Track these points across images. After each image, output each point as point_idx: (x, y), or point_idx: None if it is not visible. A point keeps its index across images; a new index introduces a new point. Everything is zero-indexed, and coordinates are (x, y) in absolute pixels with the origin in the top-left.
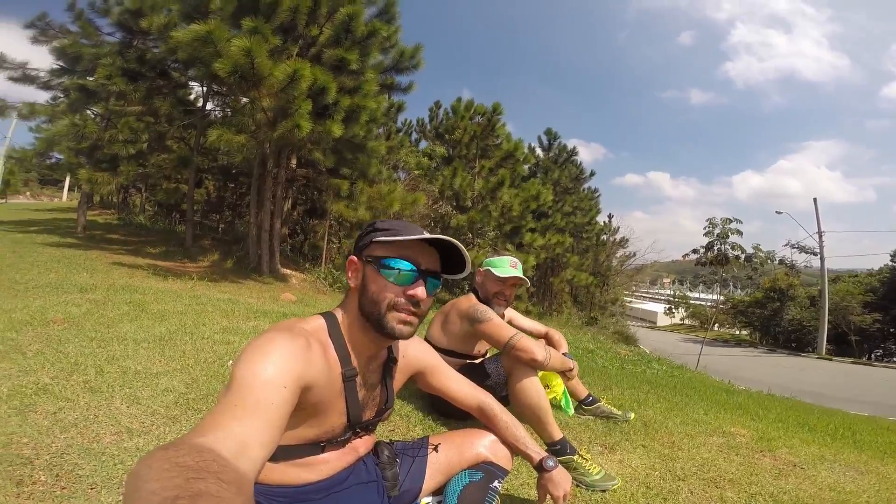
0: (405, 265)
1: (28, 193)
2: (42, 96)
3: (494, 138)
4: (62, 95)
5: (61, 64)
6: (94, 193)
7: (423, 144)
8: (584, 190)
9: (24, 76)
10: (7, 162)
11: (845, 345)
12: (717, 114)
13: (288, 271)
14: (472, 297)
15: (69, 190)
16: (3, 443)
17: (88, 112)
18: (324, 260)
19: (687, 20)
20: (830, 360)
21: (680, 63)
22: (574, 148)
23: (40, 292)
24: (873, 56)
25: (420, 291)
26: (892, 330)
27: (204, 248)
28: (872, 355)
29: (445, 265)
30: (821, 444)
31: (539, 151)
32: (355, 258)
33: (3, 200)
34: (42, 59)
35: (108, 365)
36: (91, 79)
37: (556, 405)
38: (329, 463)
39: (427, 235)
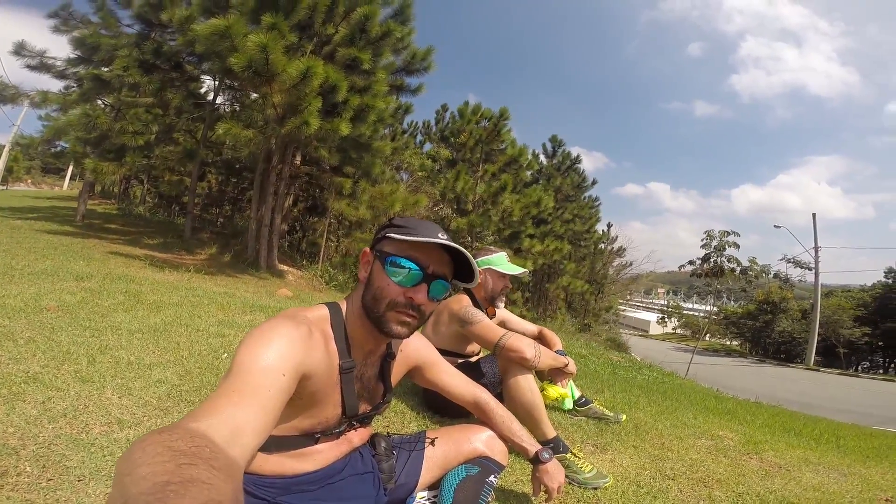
0: (411, 266)
1: (29, 181)
2: (55, 85)
3: (499, 143)
4: (75, 85)
5: (78, 54)
6: (97, 183)
7: (428, 147)
8: (584, 198)
9: (41, 64)
10: (13, 149)
11: (833, 357)
12: (720, 126)
13: (285, 267)
14: (463, 298)
15: (71, 179)
16: None
17: (99, 102)
18: (321, 258)
19: (697, 32)
20: (818, 371)
21: (687, 75)
22: (578, 156)
23: (35, 279)
24: (883, 72)
25: (421, 295)
26: (880, 344)
27: (202, 240)
28: (859, 367)
29: (457, 269)
30: (806, 448)
31: (542, 158)
32: (368, 251)
33: (4, 187)
34: (60, 48)
35: (100, 355)
36: (106, 69)
37: (555, 406)
38: (323, 454)
39: (439, 240)
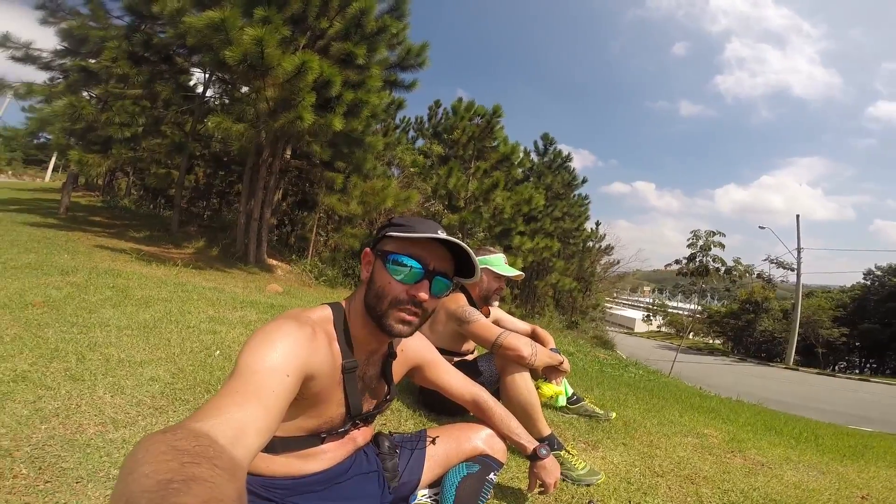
0: (412, 263)
1: (10, 172)
2: (40, 77)
3: (492, 140)
4: (61, 76)
5: (66, 45)
6: (81, 175)
7: (420, 142)
8: (574, 196)
9: (27, 56)
10: None
11: (812, 356)
12: (704, 126)
13: (274, 262)
14: (460, 297)
15: (53, 170)
16: None
17: (85, 93)
18: (310, 252)
19: (682, 31)
20: (797, 370)
21: (672, 74)
22: (569, 154)
23: (19, 273)
24: (865, 74)
25: (423, 292)
26: (857, 344)
27: (189, 234)
28: (836, 367)
29: (457, 266)
30: (786, 447)
31: (534, 156)
32: (369, 251)
33: None
34: (47, 40)
35: (89, 352)
36: (93, 61)
37: (548, 404)
38: (329, 453)
39: (439, 235)
